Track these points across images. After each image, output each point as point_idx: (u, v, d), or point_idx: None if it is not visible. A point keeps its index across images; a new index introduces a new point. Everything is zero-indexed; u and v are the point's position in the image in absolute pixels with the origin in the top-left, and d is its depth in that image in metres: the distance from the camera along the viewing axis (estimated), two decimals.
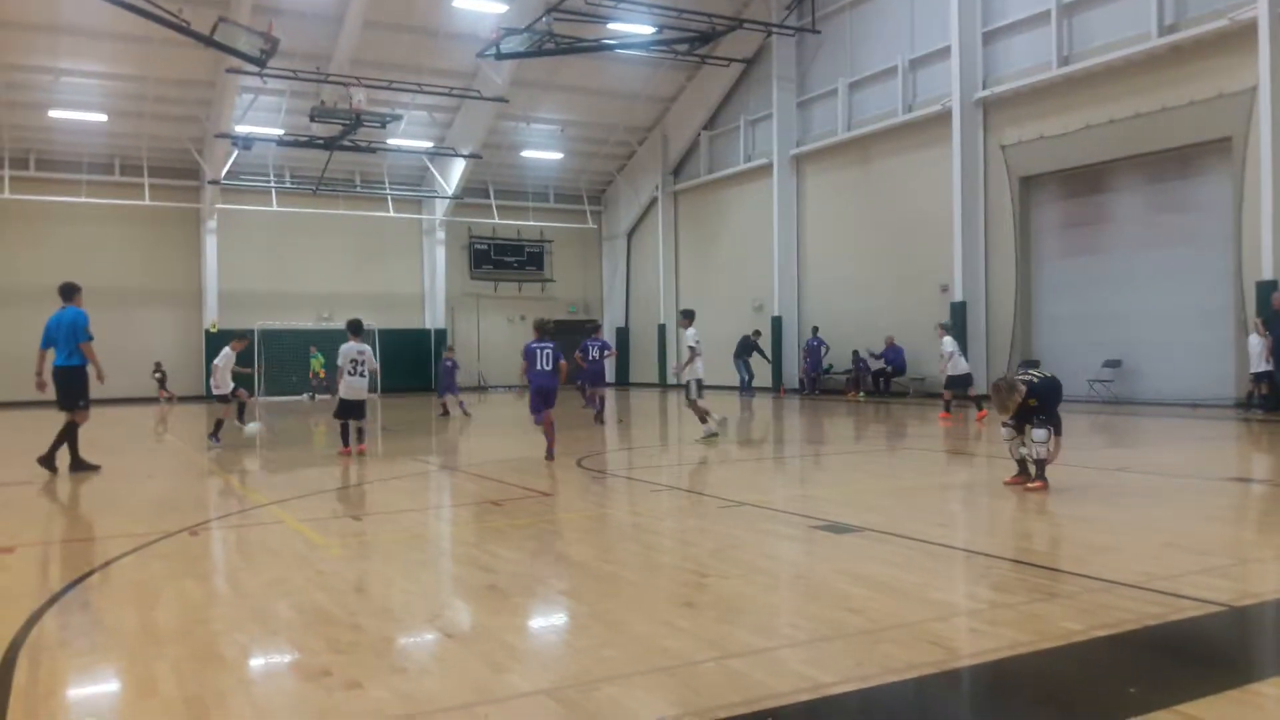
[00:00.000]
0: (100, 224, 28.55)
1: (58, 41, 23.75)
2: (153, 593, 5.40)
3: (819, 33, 26.07)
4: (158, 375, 28.42)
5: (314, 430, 17.65)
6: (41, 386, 11.03)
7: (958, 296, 21.97)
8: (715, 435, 13.63)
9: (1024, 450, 8.34)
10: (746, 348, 26.27)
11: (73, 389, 10.99)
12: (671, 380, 15.74)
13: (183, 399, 28.44)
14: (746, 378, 26.08)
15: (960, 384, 16.87)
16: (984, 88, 21.76)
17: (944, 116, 22.40)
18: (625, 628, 4.53)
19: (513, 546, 6.66)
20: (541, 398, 11.43)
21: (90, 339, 11.03)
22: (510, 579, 5.65)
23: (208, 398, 14.45)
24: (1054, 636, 4.19)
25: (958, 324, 21.85)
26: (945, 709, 3.72)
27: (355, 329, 12.69)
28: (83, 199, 27.82)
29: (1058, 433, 8.16)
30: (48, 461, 10.90)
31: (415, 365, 31.17)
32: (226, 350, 14.75)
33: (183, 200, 29.52)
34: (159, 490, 10.29)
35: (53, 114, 25.94)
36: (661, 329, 33.26)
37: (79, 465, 11.05)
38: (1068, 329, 20.60)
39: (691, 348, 13.83)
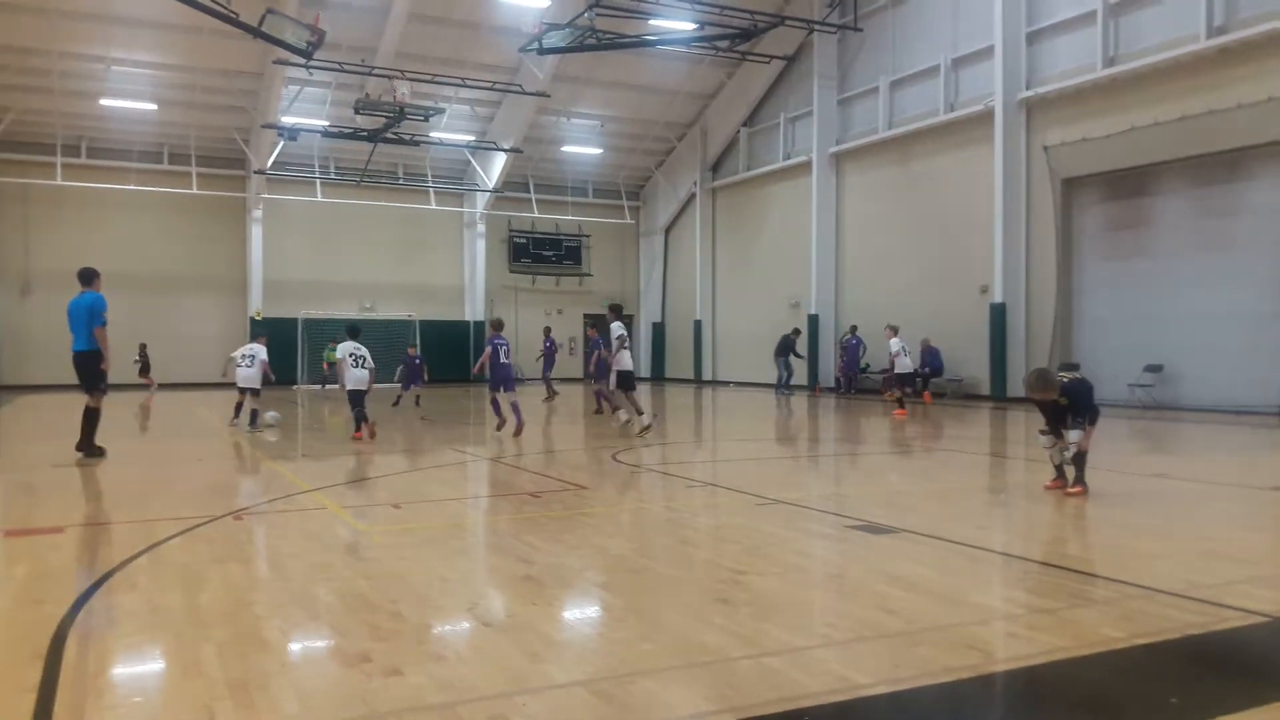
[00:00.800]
0: (149, 211, 29.06)
1: (110, 31, 24.18)
2: (199, 575, 5.51)
3: (861, 30, 25.88)
4: (138, 360, 25.87)
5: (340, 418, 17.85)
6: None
7: (998, 298, 21.76)
8: (629, 423, 14.27)
9: (1066, 454, 8.26)
10: (786, 346, 26.24)
11: (93, 373, 11.01)
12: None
13: (225, 385, 28.78)
14: (785, 375, 26.05)
15: (904, 381, 19.10)
16: (1027, 88, 21.51)
17: (986, 116, 22.17)
18: (661, 622, 4.56)
19: (549, 538, 6.71)
20: (503, 382, 13.87)
21: (105, 324, 10.97)
22: (547, 570, 5.70)
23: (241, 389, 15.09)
24: (1093, 643, 4.17)
25: (997, 325, 21.68)
26: (982, 714, 3.71)
27: (353, 332, 13.99)
28: (132, 186, 28.33)
29: (1092, 423, 8.12)
30: (81, 446, 10.99)
31: (455, 356, 31.36)
32: (262, 346, 15.42)
33: (229, 189, 29.96)
34: (206, 474, 10.47)
35: (104, 103, 26.42)
36: (698, 325, 33.25)
37: (89, 448, 11.05)
38: (1109, 333, 20.33)
39: (619, 339, 14.40)
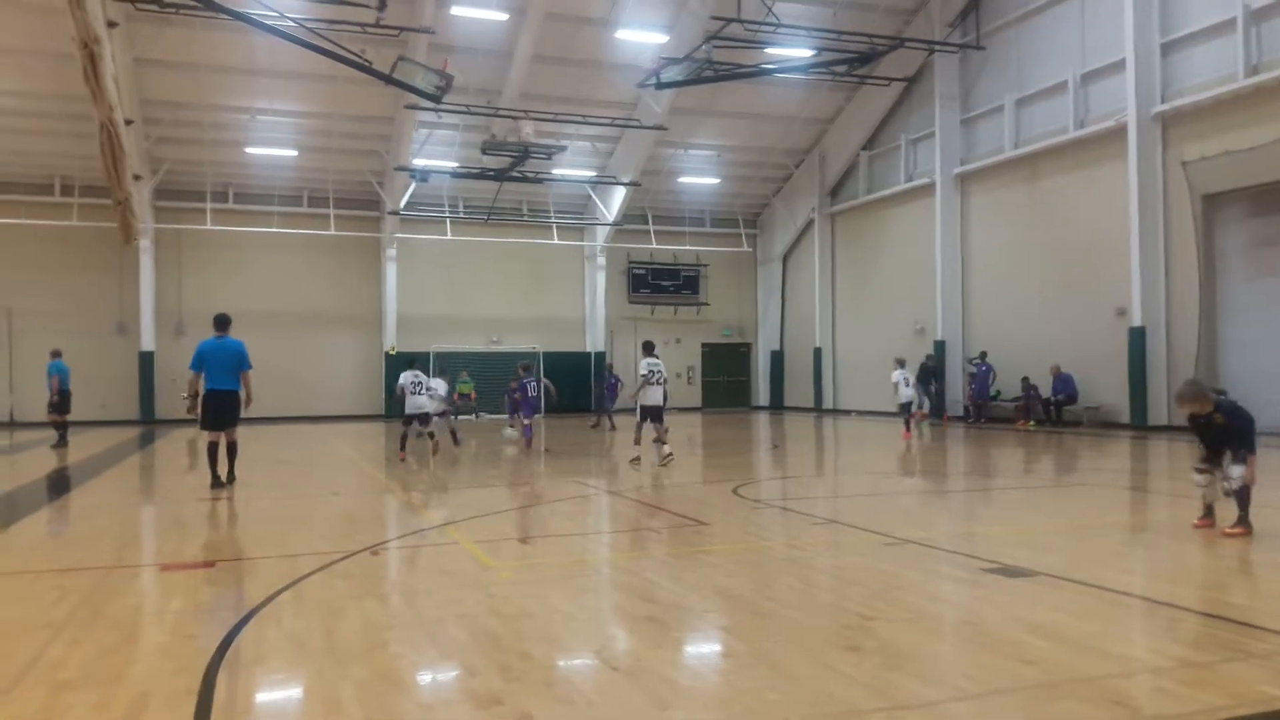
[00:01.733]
0: (290, 253, 30.58)
1: (255, 84, 25.66)
2: (337, 611, 5.73)
3: (984, 49, 25.32)
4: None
5: (478, 449, 18.29)
6: (193, 409, 12.35)
7: (1136, 321, 20.81)
8: (638, 460, 14.87)
9: (1227, 485, 7.75)
10: (928, 373, 25.75)
11: (237, 410, 12.13)
12: (629, 404, 17.27)
13: (361, 418, 30.07)
14: (926, 402, 25.55)
15: (903, 410, 20.54)
16: (1162, 101, 20.60)
17: (1119, 132, 21.31)
18: (788, 669, 4.50)
19: (671, 576, 6.72)
20: (533, 410, 18.13)
21: (250, 368, 12.15)
22: (670, 611, 5.71)
23: (389, 416, 17.03)
24: (1254, 701, 3.92)
25: (1136, 349, 20.74)
26: None
27: (410, 362, 16.50)
28: (274, 229, 29.87)
29: (1252, 451, 7.62)
30: (230, 476, 12.20)
31: (577, 387, 31.76)
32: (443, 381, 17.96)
33: (365, 230, 31.26)
34: (343, 508, 10.90)
35: (249, 150, 28.05)
36: (817, 352, 32.86)
37: (220, 482, 12.04)
38: (1259, 355, 19.15)
39: (644, 376, 14.91)
